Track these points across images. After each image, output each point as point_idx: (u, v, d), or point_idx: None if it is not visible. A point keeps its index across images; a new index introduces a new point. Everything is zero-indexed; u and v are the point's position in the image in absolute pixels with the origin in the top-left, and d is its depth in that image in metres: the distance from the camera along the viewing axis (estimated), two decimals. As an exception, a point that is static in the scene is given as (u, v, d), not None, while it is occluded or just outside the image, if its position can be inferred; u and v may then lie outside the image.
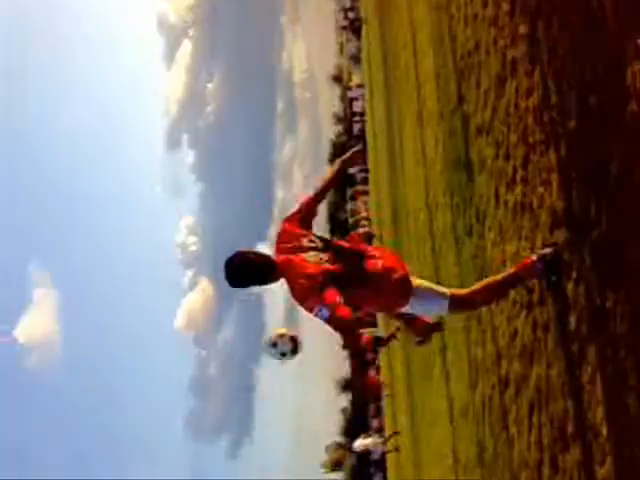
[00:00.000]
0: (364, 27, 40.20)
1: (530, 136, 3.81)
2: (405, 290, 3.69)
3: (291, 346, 4.12)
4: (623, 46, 2.53)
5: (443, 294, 3.75)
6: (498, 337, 4.78)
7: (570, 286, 3.15)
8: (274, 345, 4.17)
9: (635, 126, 2.45)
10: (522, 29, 4.05)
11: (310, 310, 3.67)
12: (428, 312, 4.00)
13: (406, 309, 3.79)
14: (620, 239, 2.57)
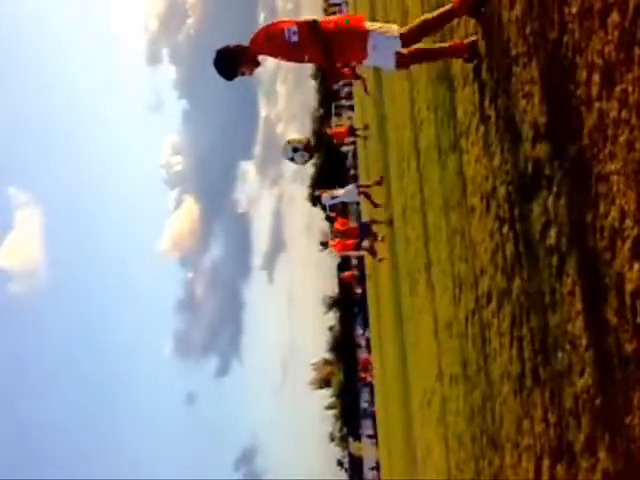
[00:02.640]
0: None
1: (513, 48, 3.72)
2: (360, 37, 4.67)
3: (308, 153, 5.67)
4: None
5: (393, 34, 4.67)
6: (480, 252, 4.82)
7: (550, 200, 3.15)
8: (295, 150, 5.64)
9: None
10: None
11: (299, 57, 4.76)
12: (385, 56, 4.77)
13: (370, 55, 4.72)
14: (598, 154, 2.55)
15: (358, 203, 26.46)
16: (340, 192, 17.88)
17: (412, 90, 9.09)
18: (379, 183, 16.79)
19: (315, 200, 17.69)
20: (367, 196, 17.75)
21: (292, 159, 5.58)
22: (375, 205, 17.34)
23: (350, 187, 18.38)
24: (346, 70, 17.91)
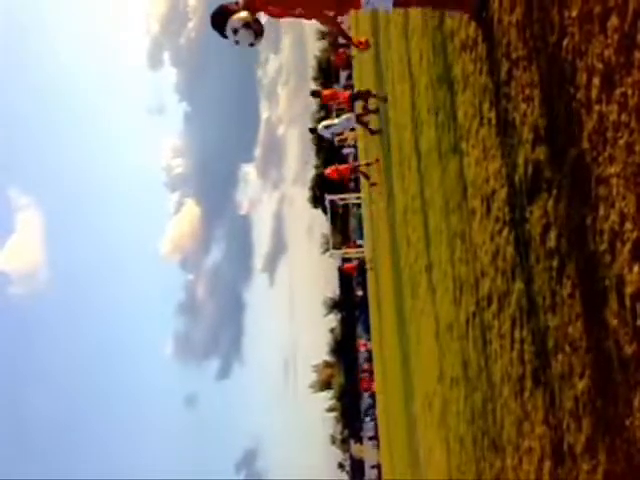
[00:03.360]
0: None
1: (513, 52, 3.73)
2: None
3: (253, 31, 5.22)
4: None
5: None
6: (481, 255, 4.83)
7: (551, 203, 3.16)
8: (235, 32, 5.14)
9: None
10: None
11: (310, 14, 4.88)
12: None
13: None
14: (598, 157, 2.56)
15: (353, 129, 26.69)
16: (336, 121, 17.71)
17: (413, 93, 9.11)
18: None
19: (312, 131, 17.16)
20: (364, 124, 17.63)
21: (236, 42, 5.29)
22: (372, 132, 17.39)
23: (348, 115, 18.17)
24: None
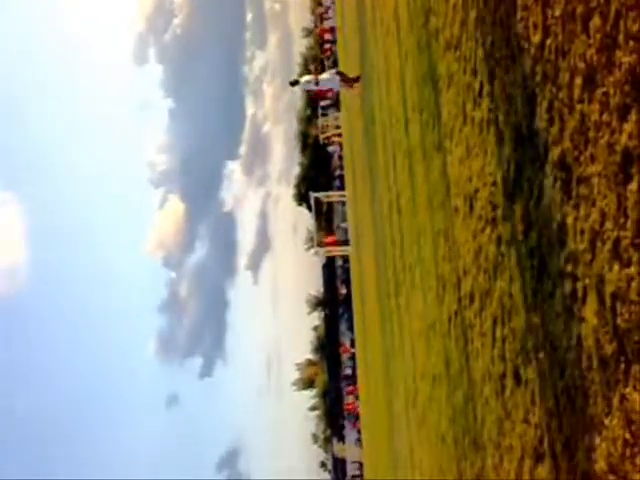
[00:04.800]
0: None
1: (497, 51, 3.74)
2: None
3: None
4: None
5: None
6: (464, 253, 4.84)
7: (532, 202, 3.17)
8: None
9: None
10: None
11: None
12: None
13: None
14: (579, 156, 2.57)
15: (337, 91, 26.53)
16: (323, 76, 17.60)
17: (398, 91, 9.11)
18: (357, 79, 16.59)
19: (293, 84, 16.87)
20: (347, 80, 17.47)
21: None
22: (355, 80, 17.15)
23: (332, 71, 17.99)
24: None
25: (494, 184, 3.97)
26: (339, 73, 17.60)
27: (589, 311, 2.45)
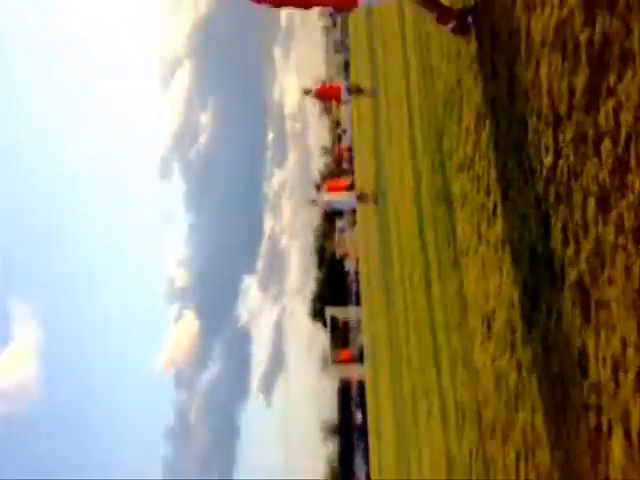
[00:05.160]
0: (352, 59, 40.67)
1: (509, 172, 3.74)
2: None
3: None
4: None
5: None
6: (483, 379, 4.64)
7: (551, 326, 3.04)
8: None
9: (612, 162, 2.36)
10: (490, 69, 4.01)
11: None
12: None
13: None
14: (597, 279, 2.47)
15: (354, 210, 26.76)
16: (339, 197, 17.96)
17: (413, 209, 9.19)
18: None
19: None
20: (364, 198, 17.81)
21: None
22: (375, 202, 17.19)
23: (349, 193, 18.50)
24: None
25: (512, 305, 3.86)
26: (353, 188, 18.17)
27: (616, 448, 2.27)
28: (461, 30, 4.89)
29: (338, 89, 19.89)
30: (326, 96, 19.01)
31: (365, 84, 17.66)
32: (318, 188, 23.25)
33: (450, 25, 4.92)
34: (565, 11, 2.87)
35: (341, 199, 18.21)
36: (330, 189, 22.35)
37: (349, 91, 19.58)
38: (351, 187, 22.17)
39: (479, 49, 4.60)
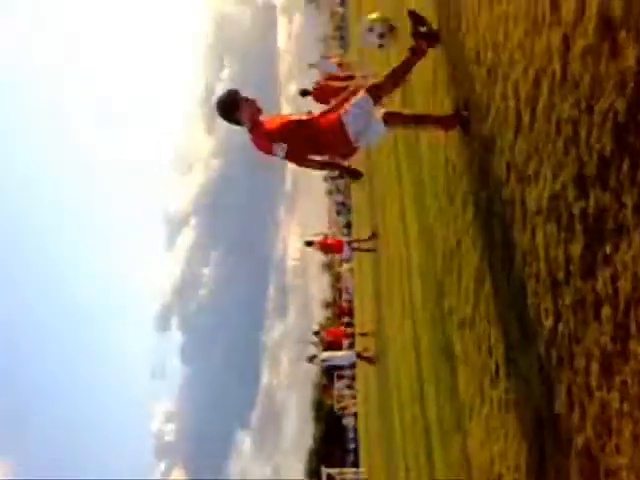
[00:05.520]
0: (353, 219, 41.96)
1: (510, 333, 3.80)
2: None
3: (387, 27, 5.61)
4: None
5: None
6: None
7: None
8: (370, 30, 5.65)
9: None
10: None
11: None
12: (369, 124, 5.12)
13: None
14: (604, 446, 2.45)
15: (354, 365, 25.97)
16: (339, 353, 17.96)
17: (413, 366, 9.13)
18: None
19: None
20: (364, 358, 17.81)
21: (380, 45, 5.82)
22: (370, 361, 17.35)
23: (350, 352, 18.59)
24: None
25: (518, 469, 3.77)
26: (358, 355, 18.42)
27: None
28: (462, 126, 5.23)
29: (340, 242, 20.50)
30: (328, 249, 19.60)
31: (366, 244, 18.26)
32: (317, 333, 23.35)
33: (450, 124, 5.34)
34: (558, 185, 3.07)
35: (341, 356, 18.33)
36: (329, 335, 22.47)
37: (350, 246, 20.19)
38: (351, 335, 22.36)
39: (476, 214, 4.83)
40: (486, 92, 4.47)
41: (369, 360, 17.99)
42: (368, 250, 18.52)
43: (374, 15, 6.06)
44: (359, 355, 18.77)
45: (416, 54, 5.37)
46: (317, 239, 18.86)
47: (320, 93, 13.90)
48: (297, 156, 5.20)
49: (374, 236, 16.73)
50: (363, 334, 21.51)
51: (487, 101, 4.42)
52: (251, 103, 5.17)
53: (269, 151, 5.16)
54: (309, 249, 18.56)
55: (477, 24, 4.76)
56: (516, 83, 3.77)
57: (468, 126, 5.01)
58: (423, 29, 5.38)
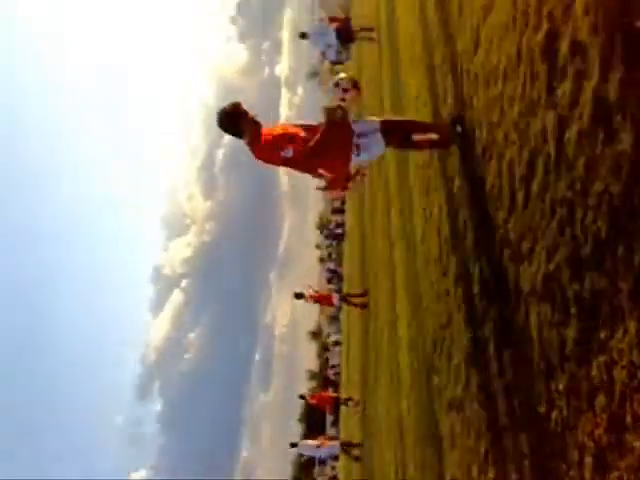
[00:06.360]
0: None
1: (501, 417, 3.67)
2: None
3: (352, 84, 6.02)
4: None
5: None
6: None
7: None
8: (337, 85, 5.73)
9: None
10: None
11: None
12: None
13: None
14: None
15: (337, 457, 24.94)
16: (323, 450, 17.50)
17: (398, 447, 8.85)
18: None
19: (293, 446, 16.56)
20: (349, 453, 17.23)
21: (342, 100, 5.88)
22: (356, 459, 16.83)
23: (334, 442, 18.12)
24: None
25: None
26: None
27: None
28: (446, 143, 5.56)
29: (330, 296, 20.47)
30: (319, 300, 19.53)
31: (357, 299, 18.19)
32: (302, 397, 23.13)
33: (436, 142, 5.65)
34: (552, 265, 3.01)
35: (324, 449, 17.97)
36: (314, 399, 22.12)
37: (341, 297, 20.12)
38: (337, 400, 21.98)
39: (468, 290, 4.75)
40: (480, 169, 4.47)
41: (355, 458, 17.57)
42: (357, 305, 18.45)
43: (342, 75, 6.73)
44: (344, 446, 18.34)
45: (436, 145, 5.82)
46: (308, 292, 18.77)
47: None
48: (302, 160, 5.26)
49: (366, 293, 16.62)
50: (347, 399, 21.10)
51: (482, 177, 4.41)
52: (252, 116, 5.27)
53: (271, 159, 5.30)
54: (299, 301, 18.37)
55: (473, 103, 4.81)
56: (511, 162, 3.76)
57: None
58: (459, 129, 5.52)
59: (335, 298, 20.09)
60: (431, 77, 7.01)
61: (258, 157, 5.32)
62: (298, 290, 18.34)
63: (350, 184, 5.51)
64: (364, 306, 16.95)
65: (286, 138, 5.21)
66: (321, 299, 19.51)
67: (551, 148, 3.11)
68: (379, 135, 5.28)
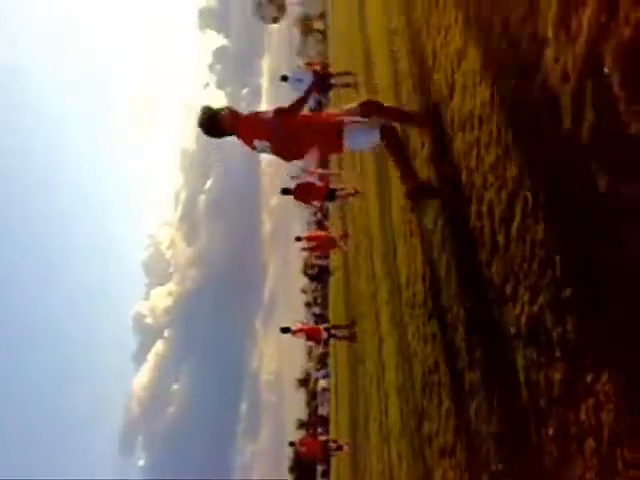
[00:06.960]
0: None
1: (492, 464, 3.62)
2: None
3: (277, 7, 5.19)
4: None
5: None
6: None
7: None
8: (259, 5, 5.21)
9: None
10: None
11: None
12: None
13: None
14: None
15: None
16: None
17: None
18: None
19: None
20: None
21: (262, 18, 5.48)
22: None
23: None
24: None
25: None
26: None
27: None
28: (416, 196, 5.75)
29: (318, 329, 20.34)
30: (306, 334, 19.38)
31: (343, 332, 18.11)
32: (292, 444, 22.87)
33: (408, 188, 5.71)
34: (536, 308, 3.01)
35: None
36: (304, 446, 21.77)
37: (328, 332, 19.99)
38: (326, 447, 21.65)
39: (453, 333, 4.73)
40: (461, 211, 4.50)
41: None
42: (345, 338, 18.35)
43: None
44: None
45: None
46: (295, 327, 18.66)
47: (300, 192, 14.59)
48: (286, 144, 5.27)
49: (353, 324, 16.51)
50: (338, 448, 20.73)
51: (462, 219, 4.44)
52: (227, 111, 5.27)
53: (264, 136, 5.25)
54: (285, 344, 18.38)
55: (451, 149, 4.87)
56: (490, 204, 3.79)
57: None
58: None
59: (322, 332, 19.94)
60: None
61: (248, 144, 5.33)
62: (285, 325, 18.25)
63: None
64: (352, 338, 16.85)
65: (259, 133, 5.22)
66: (308, 332, 19.38)
67: (527, 192, 3.14)
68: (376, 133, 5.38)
